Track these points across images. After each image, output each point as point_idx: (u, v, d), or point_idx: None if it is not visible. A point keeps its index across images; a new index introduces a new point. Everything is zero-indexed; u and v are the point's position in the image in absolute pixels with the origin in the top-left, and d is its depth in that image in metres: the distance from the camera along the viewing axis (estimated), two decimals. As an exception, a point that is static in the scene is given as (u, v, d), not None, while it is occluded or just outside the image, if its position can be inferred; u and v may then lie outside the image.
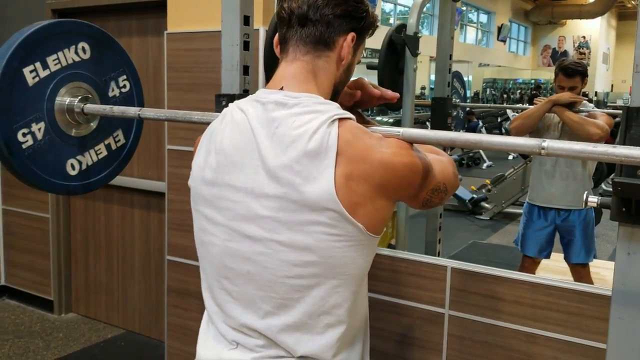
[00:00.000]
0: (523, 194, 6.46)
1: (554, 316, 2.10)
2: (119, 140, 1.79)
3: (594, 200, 1.30)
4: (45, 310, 3.71)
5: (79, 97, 1.63)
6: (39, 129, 1.54)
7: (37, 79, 1.51)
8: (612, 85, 21.07)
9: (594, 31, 19.96)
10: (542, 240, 3.00)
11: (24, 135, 1.50)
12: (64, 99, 1.60)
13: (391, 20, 15.00)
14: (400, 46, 2.62)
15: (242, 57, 1.70)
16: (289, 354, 1.03)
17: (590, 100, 2.83)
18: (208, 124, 1.18)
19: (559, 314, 2.09)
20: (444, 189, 1.11)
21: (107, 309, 3.56)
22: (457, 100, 3.12)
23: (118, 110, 1.64)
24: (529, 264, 2.99)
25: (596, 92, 18.29)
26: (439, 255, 2.93)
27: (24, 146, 1.51)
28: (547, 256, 3.05)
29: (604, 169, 4.67)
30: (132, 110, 1.62)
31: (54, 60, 1.55)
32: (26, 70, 1.49)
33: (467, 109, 12.78)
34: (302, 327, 1.01)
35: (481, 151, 9.67)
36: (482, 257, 4.67)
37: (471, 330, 2.26)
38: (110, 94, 1.71)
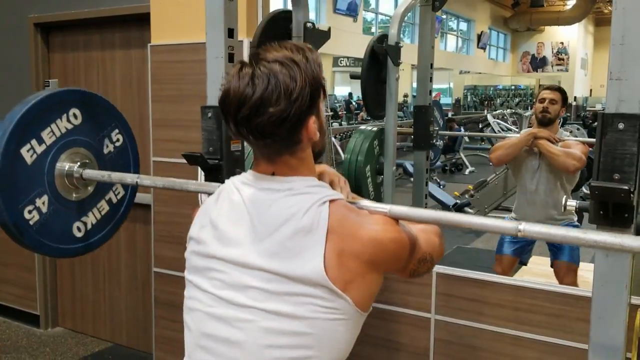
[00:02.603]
0: (505, 199, 6.55)
1: (538, 318, 2.14)
2: (119, 193, 1.83)
3: (572, 204, 1.34)
4: (32, 325, 3.68)
5: (78, 163, 1.65)
6: (43, 202, 1.57)
7: (34, 155, 1.54)
8: (590, 90, 21.42)
9: (572, 37, 20.30)
10: (520, 246, 3.05)
11: (30, 212, 1.53)
12: (63, 165, 1.62)
13: (373, 29, 15.13)
14: (382, 56, 2.66)
15: (227, 69, 1.73)
16: None
17: (565, 122, 2.93)
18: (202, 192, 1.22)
19: (543, 317, 2.13)
20: (430, 259, 1.15)
21: (94, 322, 3.54)
22: (437, 129, 3.22)
23: (116, 177, 1.66)
24: (506, 262, 3.02)
25: (575, 97, 18.57)
26: (424, 261, 2.96)
27: (31, 222, 1.54)
28: (523, 262, 3.10)
29: (584, 174, 4.76)
30: (129, 178, 1.65)
31: (48, 134, 1.58)
32: (23, 151, 1.51)
33: (449, 115, 12.91)
34: None
35: (463, 157, 9.77)
36: (467, 261, 4.71)
37: (457, 334, 2.29)
38: (105, 150, 1.75)
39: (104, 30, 3.34)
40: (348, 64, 15.50)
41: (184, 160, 1.78)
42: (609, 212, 1.23)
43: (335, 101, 14.78)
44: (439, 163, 8.52)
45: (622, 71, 1.20)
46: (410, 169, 3.69)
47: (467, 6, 18.06)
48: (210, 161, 1.73)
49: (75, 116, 1.64)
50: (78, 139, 1.66)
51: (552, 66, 20.94)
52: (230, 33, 1.75)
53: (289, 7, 1.94)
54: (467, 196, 6.52)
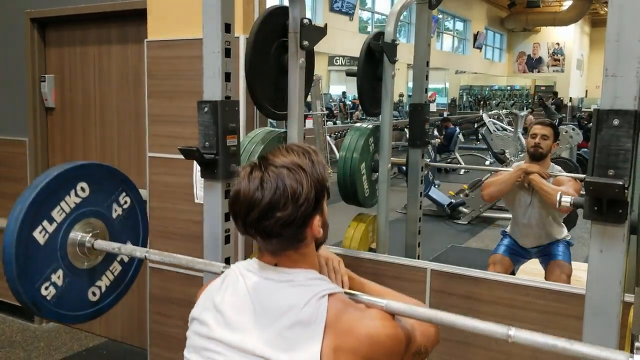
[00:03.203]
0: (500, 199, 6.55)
1: (532, 316, 2.15)
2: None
3: (567, 200, 1.35)
4: (26, 320, 3.66)
5: (89, 234, 1.68)
6: (58, 277, 1.61)
7: (46, 235, 1.57)
8: (586, 91, 21.50)
9: (568, 38, 20.38)
10: (515, 256, 3.08)
11: (46, 288, 1.58)
12: (76, 235, 1.66)
13: (369, 29, 15.14)
14: (379, 53, 2.66)
15: (223, 64, 1.73)
16: None
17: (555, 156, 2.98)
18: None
19: (537, 314, 2.14)
20: (424, 350, 1.19)
21: (88, 317, 3.53)
22: (428, 160, 3.29)
23: (126, 250, 1.70)
24: (498, 262, 3.04)
25: (571, 98, 18.63)
26: (418, 259, 2.97)
27: (48, 297, 1.58)
28: (514, 260, 3.13)
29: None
30: (138, 252, 1.70)
31: (58, 212, 1.61)
32: (36, 233, 1.55)
33: (444, 114, 12.94)
34: None
35: (458, 157, 9.79)
36: (461, 260, 4.72)
37: (451, 331, 2.29)
38: (114, 215, 1.79)
39: (101, 26, 3.33)
40: (344, 63, 15.50)
41: (179, 156, 1.79)
42: (603, 208, 1.24)
43: (331, 100, 14.79)
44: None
45: (618, 68, 1.20)
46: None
47: (463, 6, 18.11)
48: (206, 156, 1.73)
49: (82, 189, 1.68)
50: (87, 210, 1.70)
51: (547, 67, 21.02)
52: (227, 28, 1.75)
53: (285, 3, 1.94)
54: (462, 195, 6.54)
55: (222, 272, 1.37)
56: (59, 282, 1.60)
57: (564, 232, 3.02)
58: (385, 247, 2.79)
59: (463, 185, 6.62)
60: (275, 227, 1.05)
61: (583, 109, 16.43)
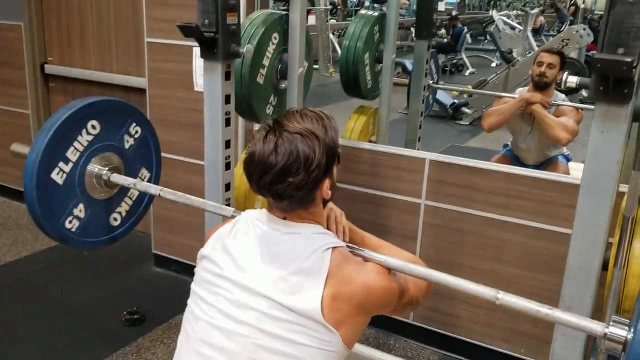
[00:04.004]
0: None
1: (526, 205, 2.20)
2: (145, 177, 1.92)
3: (573, 80, 1.33)
4: (31, 205, 3.75)
5: (105, 169, 1.73)
6: (80, 210, 1.69)
7: (64, 175, 1.63)
8: (600, -6, 20.63)
9: None
10: (516, 162, 3.09)
11: (70, 222, 1.67)
12: (93, 170, 1.71)
13: None
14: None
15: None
16: None
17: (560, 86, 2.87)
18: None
19: (531, 203, 2.19)
20: (415, 301, 1.26)
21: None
22: (431, 82, 3.17)
23: (141, 187, 1.75)
24: (501, 159, 3.07)
25: (584, 0, 17.92)
26: (418, 153, 2.99)
27: (73, 230, 1.68)
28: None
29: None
30: (153, 189, 1.73)
31: (72, 152, 1.66)
32: (53, 175, 1.61)
33: (452, 14, 12.52)
34: None
35: (464, 57, 9.58)
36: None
37: (446, 219, 2.36)
38: (127, 145, 1.82)
39: None
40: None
41: (179, 42, 1.74)
42: (609, 87, 1.22)
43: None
44: (439, 63, 8.36)
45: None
46: (410, 67, 3.62)
47: None
48: (206, 34, 1.68)
49: (93, 127, 1.71)
50: (100, 146, 1.74)
51: (562, -34, 20.02)
52: None
53: None
54: (465, 96, 6.47)
55: (233, 216, 1.45)
56: (81, 215, 1.70)
57: (563, 149, 3.01)
58: (386, 139, 2.80)
59: (467, 86, 6.53)
60: (287, 191, 1.11)
61: (595, 12, 15.86)
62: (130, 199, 1.87)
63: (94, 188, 1.73)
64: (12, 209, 3.76)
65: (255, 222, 1.21)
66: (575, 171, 3.10)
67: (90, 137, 1.70)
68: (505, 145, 3.18)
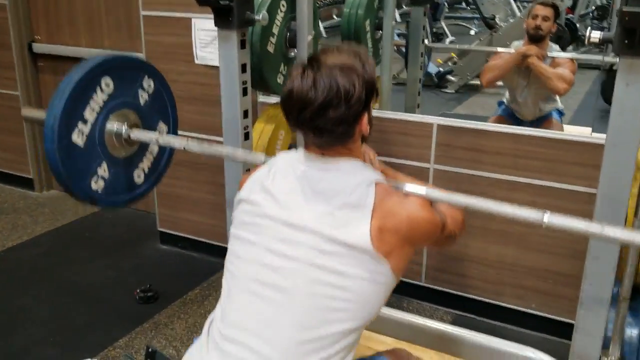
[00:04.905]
0: (488, 66, 6.52)
1: (534, 164, 2.25)
2: (163, 130, 1.89)
3: (596, 36, 1.36)
4: (26, 188, 3.70)
5: (124, 125, 1.71)
6: (104, 170, 1.69)
7: (84, 137, 1.62)
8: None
9: None
10: (512, 120, 3.13)
11: (96, 182, 1.67)
12: (112, 128, 1.69)
13: None
14: None
15: None
16: None
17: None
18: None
19: (538, 162, 2.24)
20: (454, 235, 1.30)
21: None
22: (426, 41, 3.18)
23: (164, 141, 1.73)
24: (498, 120, 3.11)
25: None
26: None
27: (99, 190, 1.68)
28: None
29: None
30: (177, 142, 1.71)
31: (89, 112, 1.64)
32: (73, 137, 1.59)
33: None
34: (314, 345, 1.10)
35: (444, 26, 9.57)
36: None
37: (455, 181, 2.40)
38: (142, 101, 1.80)
39: None
40: None
41: (177, 13, 1.72)
42: (635, 40, 1.25)
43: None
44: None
45: None
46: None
47: None
48: (221, 2, 1.67)
49: (107, 85, 1.69)
50: (116, 103, 1.72)
51: None
52: None
53: None
54: (450, 63, 6.49)
55: (264, 162, 1.43)
56: (106, 175, 1.70)
57: (558, 104, 3.06)
58: (389, 106, 2.82)
59: (451, 53, 6.55)
60: (327, 125, 1.11)
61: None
62: (152, 154, 1.87)
63: (115, 146, 1.72)
64: (6, 192, 3.70)
65: (293, 162, 1.20)
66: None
67: (105, 96, 1.69)
68: (500, 104, 3.21)
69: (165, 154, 1.91)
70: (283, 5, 2.04)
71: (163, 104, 1.89)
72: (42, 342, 2.30)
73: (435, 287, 2.54)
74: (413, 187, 1.23)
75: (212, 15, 2.50)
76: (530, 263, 2.33)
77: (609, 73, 4.87)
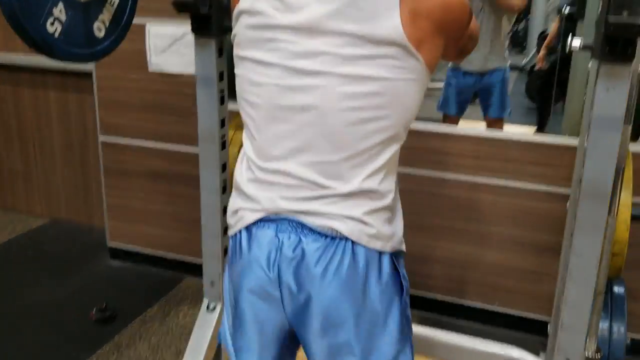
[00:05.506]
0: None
1: (494, 165, 2.33)
2: None
3: (577, 42, 1.42)
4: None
5: None
6: (60, 11, 1.47)
7: None
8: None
9: None
10: (462, 101, 3.25)
11: (52, 24, 1.45)
12: None
13: None
14: None
15: None
16: (336, 191, 1.04)
17: None
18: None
19: (499, 163, 2.32)
20: (474, 37, 1.21)
21: (27, 198, 3.36)
22: None
23: None
24: (451, 122, 3.22)
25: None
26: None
27: (56, 35, 1.47)
28: (462, 113, 3.32)
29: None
30: None
31: None
32: None
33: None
34: (356, 161, 1.03)
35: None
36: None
37: (419, 184, 2.45)
38: None
39: None
40: None
41: None
42: (618, 47, 1.33)
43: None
44: None
45: None
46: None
47: None
48: (201, 9, 1.61)
49: None
50: None
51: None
52: None
53: None
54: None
55: None
56: (62, 17, 1.49)
57: (506, 59, 3.15)
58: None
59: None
60: None
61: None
62: (112, 5, 1.67)
63: None
64: None
65: None
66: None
67: None
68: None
69: (129, 2, 1.72)
70: (251, 12, 2.00)
71: None
72: (-6, 372, 2.15)
73: (402, 289, 2.58)
74: None
75: (168, 20, 2.46)
76: (493, 261, 2.42)
77: (530, 73, 5.17)
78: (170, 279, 2.77)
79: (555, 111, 4.87)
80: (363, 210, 1.04)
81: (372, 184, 1.04)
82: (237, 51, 1.10)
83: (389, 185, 1.08)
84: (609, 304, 1.82)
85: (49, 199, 3.31)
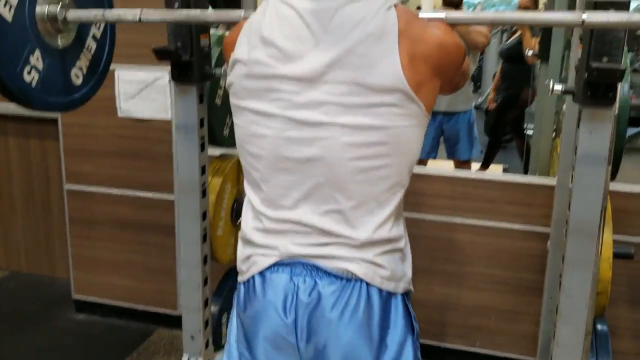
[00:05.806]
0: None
1: (471, 205, 2.35)
2: (100, 26, 1.64)
3: (559, 87, 1.46)
4: None
5: (58, 6, 1.43)
6: (37, 59, 1.42)
7: (12, 9, 1.35)
8: None
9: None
10: (430, 143, 3.29)
11: (29, 73, 1.40)
12: (42, 8, 1.41)
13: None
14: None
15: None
16: (348, 239, 1.03)
17: None
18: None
19: (476, 203, 2.34)
20: (466, 72, 1.22)
21: (-17, 251, 3.19)
22: None
23: (111, 15, 1.45)
24: (421, 164, 3.26)
25: None
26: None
27: (33, 84, 1.41)
28: (434, 157, 3.36)
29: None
30: (130, 15, 1.42)
31: None
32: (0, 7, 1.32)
33: None
34: (365, 209, 1.02)
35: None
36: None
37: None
38: None
39: None
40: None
41: None
42: (600, 92, 1.36)
43: None
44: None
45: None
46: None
47: None
48: (182, 57, 1.59)
49: None
50: None
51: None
52: None
53: None
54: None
55: (245, 18, 1.20)
56: (40, 65, 1.44)
57: (471, 100, 3.24)
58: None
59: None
60: None
61: None
62: (89, 51, 1.62)
63: (49, 31, 1.46)
64: None
65: (291, 1, 1.02)
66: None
67: None
68: None
69: (106, 48, 1.66)
70: (228, 57, 1.98)
71: None
72: None
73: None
74: (430, 14, 1.13)
75: (138, 66, 2.42)
76: (473, 301, 2.41)
77: (487, 113, 5.34)
78: (140, 332, 2.65)
79: (505, 148, 5.03)
80: (375, 252, 1.04)
81: (384, 233, 1.05)
82: (234, 101, 1.09)
83: (399, 230, 1.10)
84: (594, 343, 1.83)
85: (8, 251, 3.15)
